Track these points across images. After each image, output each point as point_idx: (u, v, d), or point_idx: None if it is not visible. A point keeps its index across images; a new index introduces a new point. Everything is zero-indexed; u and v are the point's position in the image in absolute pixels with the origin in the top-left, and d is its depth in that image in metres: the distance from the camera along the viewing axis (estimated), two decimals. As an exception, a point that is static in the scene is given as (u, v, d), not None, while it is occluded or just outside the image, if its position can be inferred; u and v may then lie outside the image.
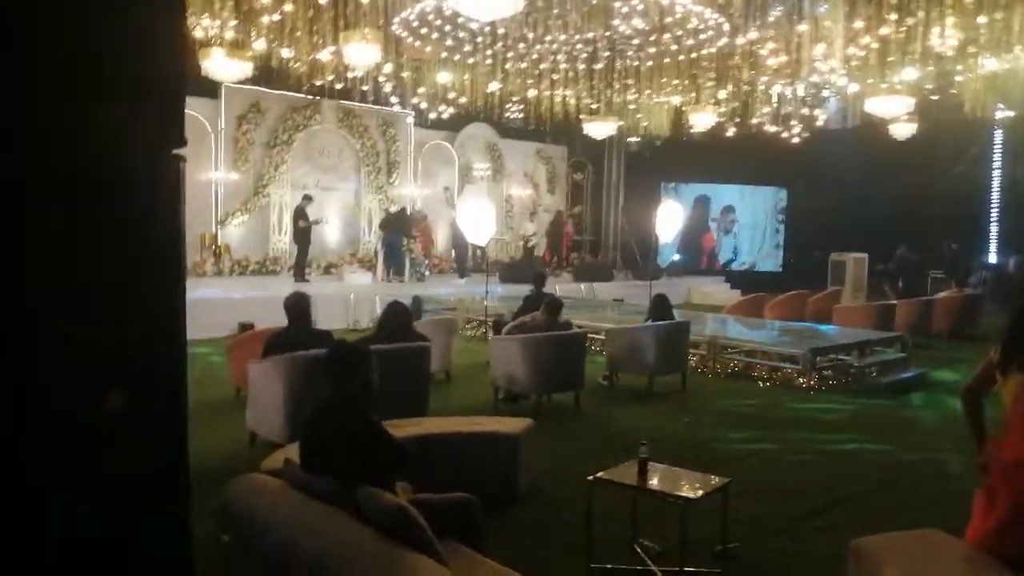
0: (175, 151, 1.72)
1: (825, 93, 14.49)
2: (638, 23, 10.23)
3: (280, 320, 6.02)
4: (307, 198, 13.94)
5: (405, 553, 2.46)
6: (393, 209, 15.48)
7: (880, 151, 15.46)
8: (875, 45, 10.84)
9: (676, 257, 19.31)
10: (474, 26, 10.87)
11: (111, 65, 1.56)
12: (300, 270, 13.55)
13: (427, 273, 15.37)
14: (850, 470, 5.81)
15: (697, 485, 4.00)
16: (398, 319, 6.38)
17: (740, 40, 10.89)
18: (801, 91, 14.18)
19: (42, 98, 1.47)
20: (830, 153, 16.41)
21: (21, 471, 1.43)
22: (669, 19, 10.55)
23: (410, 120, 16.76)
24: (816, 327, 11.24)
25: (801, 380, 8.66)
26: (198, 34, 9.90)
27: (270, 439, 5.48)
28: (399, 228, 14.59)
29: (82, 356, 1.48)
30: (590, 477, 4.14)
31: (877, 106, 12.09)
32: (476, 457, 4.77)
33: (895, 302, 12.73)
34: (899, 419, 7.47)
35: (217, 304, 10.79)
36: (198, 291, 11.68)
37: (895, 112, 12.23)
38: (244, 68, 10.85)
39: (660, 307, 8.72)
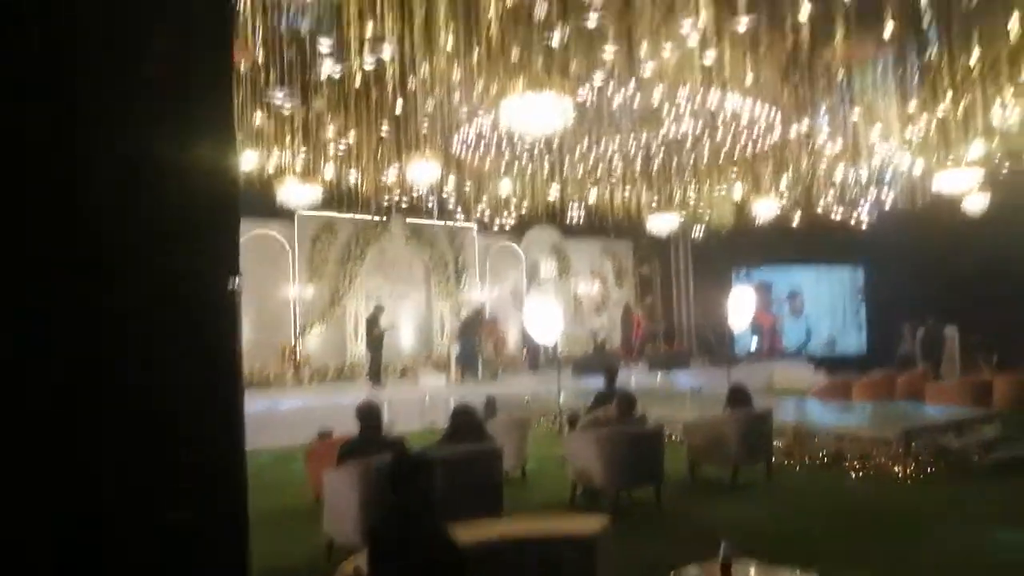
0: (232, 277, 1.86)
1: (889, 174, 14.32)
2: (689, 125, 10.47)
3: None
4: (379, 307, 14.43)
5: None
6: (464, 313, 15.84)
7: (958, 223, 15.04)
8: (934, 124, 10.77)
9: (754, 342, 18.90)
10: (529, 138, 11.33)
11: (175, 205, 1.73)
12: (376, 375, 13.87)
13: (500, 372, 15.48)
14: (960, 564, 5.43)
15: (780, 584, 3.82)
16: (467, 421, 6.45)
17: (793, 131, 10.99)
18: (864, 174, 14.06)
19: (112, 238, 1.62)
20: (904, 229, 16.04)
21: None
22: (721, 117, 10.77)
23: (474, 230, 17.33)
24: (908, 406, 10.73)
25: (896, 467, 8.21)
26: (271, 165, 10.64)
27: (347, 545, 5.53)
28: (472, 330, 14.91)
29: (148, 468, 1.59)
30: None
31: (945, 182, 11.87)
32: (550, 560, 4.69)
33: (991, 378, 12.07)
34: (1007, 503, 6.97)
35: (297, 413, 11.09)
36: (279, 401, 12.08)
37: (965, 186, 11.96)
38: (315, 193, 11.54)
39: (739, 395, 8.52)
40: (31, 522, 1.51)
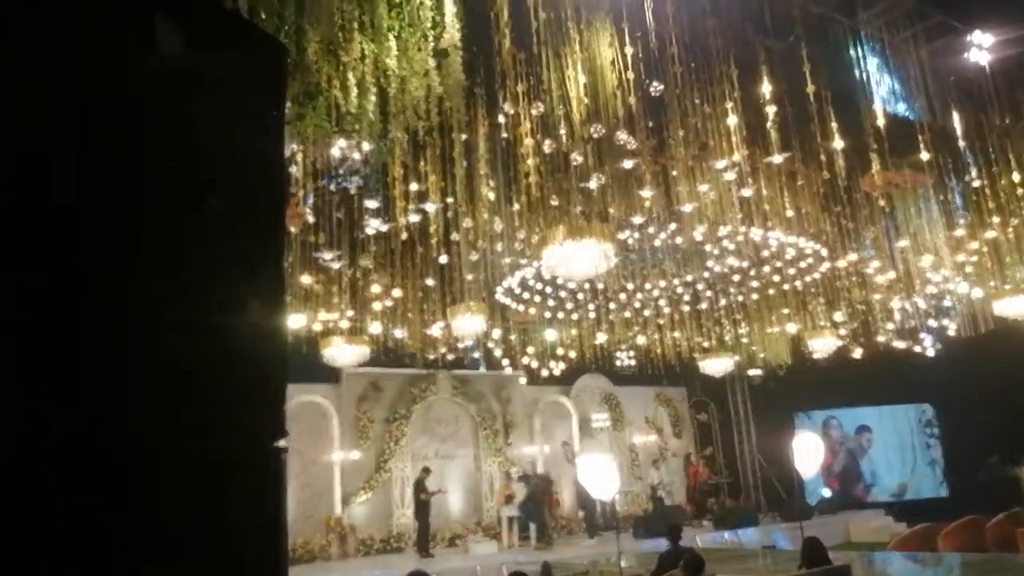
0: (278, 442, 1.79)
1: (947, 302, 13.94)
2: (734, 262, 10.44)
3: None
4: (426, 470, 14.00)
5: None
6: (526, 477, 15.21)
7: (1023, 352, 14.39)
8: (985, 249, 10.57)
9: (826, 492, 17.78)
10: (572, 285, 11.39)
11: (223, 368, 1.68)
12: (424, 545, 13.23)
13: (555, 536, 14.67)
14: None
15: None
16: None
17: (842, 263, 10.86)
18: (922, 303, 13.71)
19: (162, 394, 1.56)
20: (972, 359, 15.38)
21: None
22: (765, 253, 10.73)
23: (522, 380, 17.08)
24: (1004, 557, 9.76)
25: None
26: (317, 326, 10.79)
27: None
28: (539, 498, 14.29)
29: None
30: None
31: (1007, 308, 11.46)
32: None
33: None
34: None
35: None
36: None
37: (1025, 311, 11.51)
38: (362, 352, 11.60)
39: (813, 551, 7.83)
40: None
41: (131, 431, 1.51)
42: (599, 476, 9.62)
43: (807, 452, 11.22)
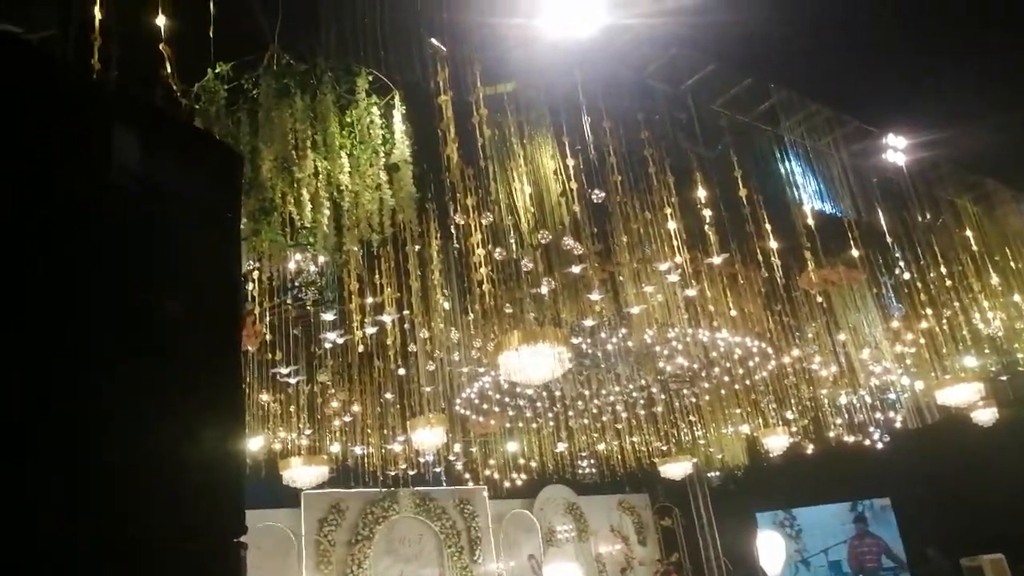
0: (236, 540, 1.82)
1: (892, 395, 14.35)
2: (683, 362, 10.71)
3: None
4: None
5: None
6: None
7: (974, 439, 14.72)
8: (922, 340, 11.04)
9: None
10: (531, 392, 11.47)
11: (182, 493, 1.72)
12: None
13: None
14: None
15: None
16: None
17: (786, 360, 11.21)
18: (868, 397, 14.07)
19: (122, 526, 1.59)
20: (921, 452, 15.65)
21: None
22: (714, 353, 11.04)
23: (485, 494, 16.79)
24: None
25: None
26: (276, 447, 10.61)
27: None
28: None
29: None
30: None
31: (948, 397, 11.85)
32: None
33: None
34: None
35: None
36: None
37: (967, 400, 11.91)
38: (321, 472, 11.36)
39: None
40: None
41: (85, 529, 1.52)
42: (566, 586, 9.43)
43: (771, 550, 11.22)
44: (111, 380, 1.67)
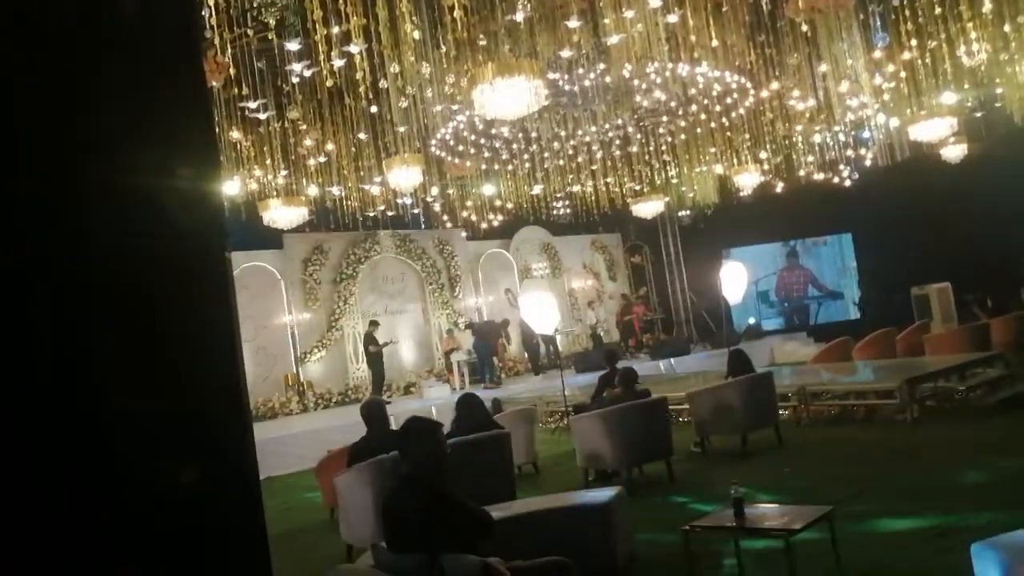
0: (221, 241, 1.88)
1: (866, 134, 14.42)
2: (660, 96, 10.52)
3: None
4: (373, 323, 14.40)
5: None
6: (479, 321, 15.85)
7: (939, 177, 15.14)
8: (903, 73, 10.85)
9: (751, 320, 18.92)
10: (506, 132, 11.38)
11: (160, 235, 1.73)
12: (378, 390, 13.79)
13: (502, 376, 15.44)
14: (967, 493, 5.44)
15: (798, 516, 3.82)
16: (472, 410, 6.43)
17: (765, 94, 11.05)
18: (841, 135, 14.15)
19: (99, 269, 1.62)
20: (886, 190, 16.13)
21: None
22: (692, 90, 10.83)
23: (464, 235, 17.34)
24: (909, 360, 10.76)
25: (901, 415, 8.24)
26: (253, 186, 10.66)
27: (366, 547, 5.48)
28: (491, 336, 14.89)
29: (147, 432, 1.59)
30: (686, 527, 4.02)
31: (920, 132, 11.94)
32: (568, 531, 4.67)
33: (987, 321, 12.12)
34: (1016, 437, 6.99)
35: (305, 438, 11.03)
36: (286, 430, 12.03)
37: (939, 135, 12.03)
38: (300, 213, 11.54)
39: (739, 362, 8.53)
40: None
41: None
42: (540, 312, 10.12)
43: (734, 280, 11.92)
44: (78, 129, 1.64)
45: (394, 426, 6.04)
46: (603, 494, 5.13)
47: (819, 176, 15.26)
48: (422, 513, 3.09)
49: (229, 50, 6.48)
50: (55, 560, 1.45)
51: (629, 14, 6.25)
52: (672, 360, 15.75)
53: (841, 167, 15.07)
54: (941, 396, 8.56)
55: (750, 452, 7.73)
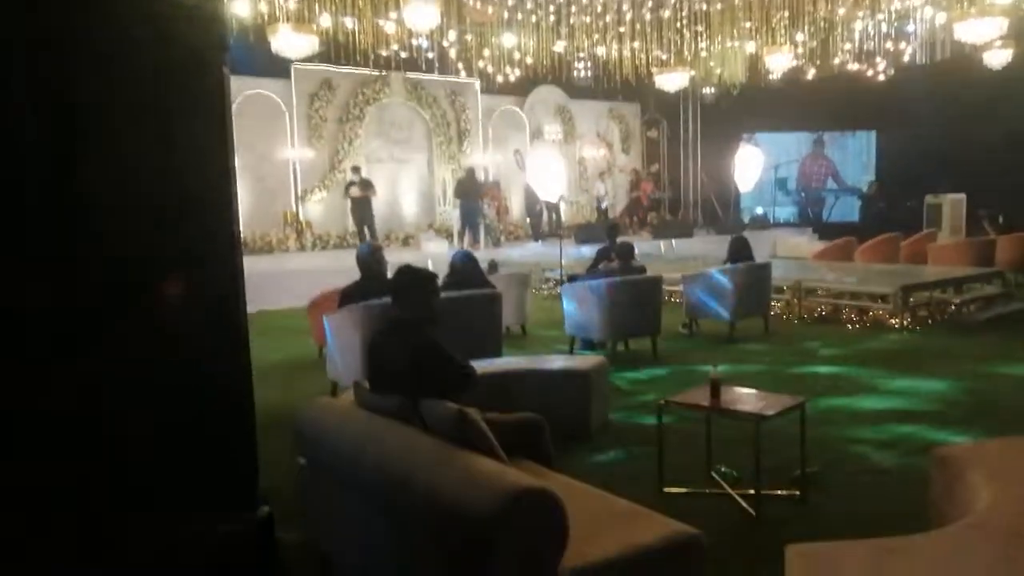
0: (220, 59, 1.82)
1: (910, 26, 13.65)
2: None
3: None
4: (355, 169, 14.13)
5: (464, 452, 2.49)
6: (461, 175, 15.46)
7: (975, 85, 14.49)
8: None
9: (759, 211, 18.69)
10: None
11: (161, 55, 1.66)
12: (361, 237, 13.66)
13: (502, 239, 15.40)
14: (937, 396, 5.56)
15: (772, 404, 3.88)
16: (466, 267, 6.42)
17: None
18: (884, 25, 13.41)
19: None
20: (919, 90, 15.49)
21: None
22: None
23: (477, 87, 16.74)
24: (909, 267, 10.73)
25: (893, 320, 8.29)
26: (263, 7, 10.13)
27: (350, 387, 5.60)
28: (471, 193, 14.60)
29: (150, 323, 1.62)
30: (661, 401, 4.09)
31: (966, 31, 11.28)
32: (547, 392, 4.78)
33: (994, 237, 11.99)
34: (994, 350, 7.06)
35: (300, 275, 11.09)
36: (280, 266, 12.11)
37: (987, 36, 11.35)
38: (311, 42, 11.00)
39: (740, 249, 8.45)
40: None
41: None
42: (546, 178, 9.94)
43: (748, 165, 11.66)
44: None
45: (390, 275, 6.03)
46: (585, 362, 5.22)
47: (853, 66, 14.59)
48: (407, 358, 3.12)
49: None
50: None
51: None
52: (674, 241, 15.68)
53: (878, 59, 14.38)
54: (935, 307, 8.58)
55: (737, 339, 7.82)
